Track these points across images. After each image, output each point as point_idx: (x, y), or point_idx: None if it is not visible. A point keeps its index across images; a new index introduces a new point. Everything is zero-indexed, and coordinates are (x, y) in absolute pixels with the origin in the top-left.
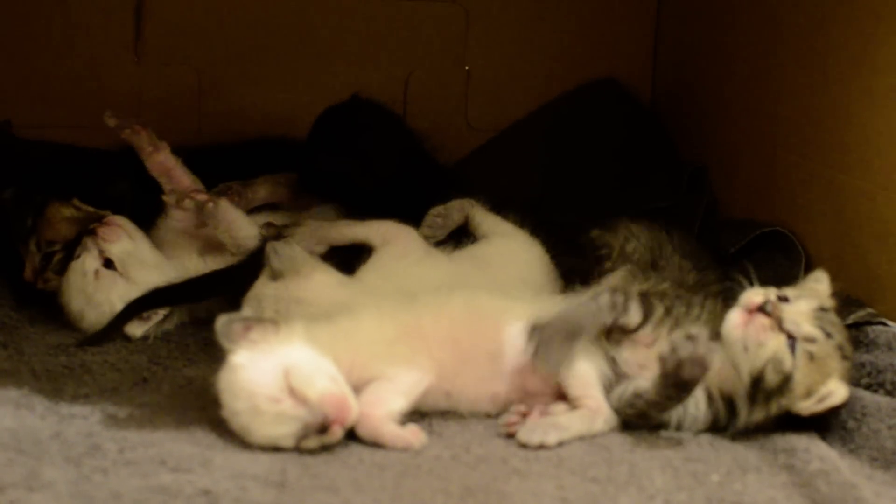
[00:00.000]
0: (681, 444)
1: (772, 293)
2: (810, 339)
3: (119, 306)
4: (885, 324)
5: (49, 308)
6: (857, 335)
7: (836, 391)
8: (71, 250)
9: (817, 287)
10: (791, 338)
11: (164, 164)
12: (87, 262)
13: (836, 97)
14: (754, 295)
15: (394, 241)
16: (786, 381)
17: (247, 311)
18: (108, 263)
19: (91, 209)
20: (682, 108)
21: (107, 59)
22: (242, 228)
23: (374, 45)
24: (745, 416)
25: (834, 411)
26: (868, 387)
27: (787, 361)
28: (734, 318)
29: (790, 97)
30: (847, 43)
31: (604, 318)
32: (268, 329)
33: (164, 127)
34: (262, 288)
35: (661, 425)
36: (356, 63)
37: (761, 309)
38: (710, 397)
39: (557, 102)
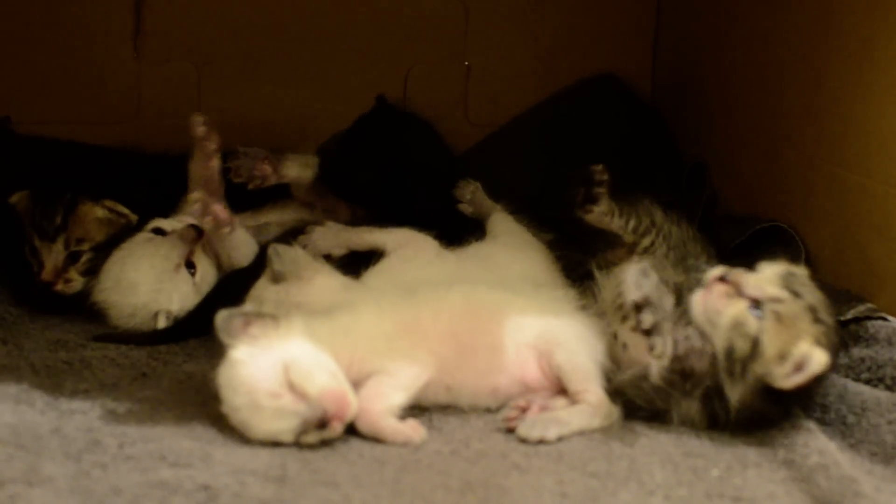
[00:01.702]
0: (681, 439)
1: (733, 269)
2: (776, 300)
3: (172, 305)
4: (885, 319)
5: (50, 304)
6: (857, 330)
7: (812, 355)
8: (99, 252)
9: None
10: (755, 301)
11: (213, 172)
12: (175, 254)
13: (837, 92)
14: (714, 270)
15: (406, 246)
16: (755, 346)
17: (247, 306)
18: (190, 266)
19: (126, 211)
20: (682, 103)
21: (106, 55)
22: (244, 249)
23: (373, 40)
24: (732, 395)
25: (820, 387)
26: (868, 381)
27: (751, 323)
28: (696, 297)
29: (791, 92)
30: (847, 38)
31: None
32: (267, 324)
33: (163, 123)
34: (263, 290)
35: (662, 419)
36: (356, 58)
37: (721, 279)
38: (704, 392)
39: (557, 98)
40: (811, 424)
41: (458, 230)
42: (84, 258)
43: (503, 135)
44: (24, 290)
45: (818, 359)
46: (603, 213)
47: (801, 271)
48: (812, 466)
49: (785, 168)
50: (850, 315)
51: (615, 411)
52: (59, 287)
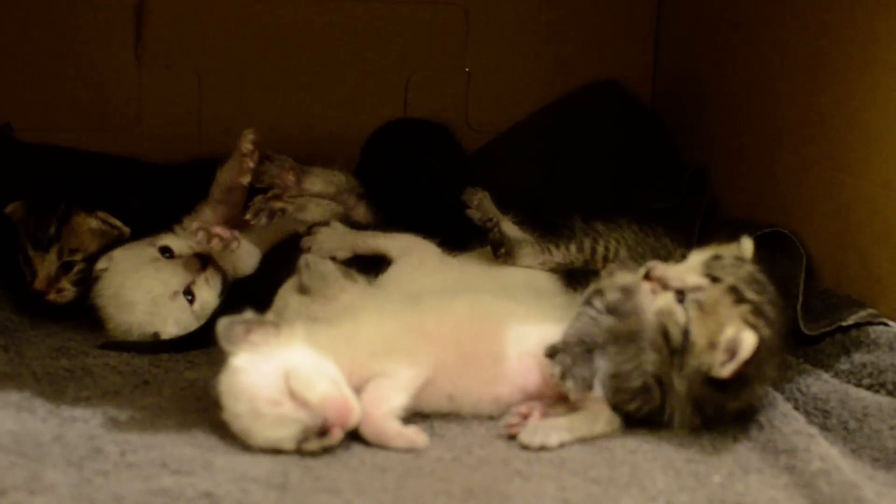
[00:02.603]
0: (682, 444)
1: (660, 264)
2: (696, 288)
3: (167, 328)
4: (886, 324)
5: (50, 311)
6: (858, 335)
7: (742, 338)
8: (91, 262)
9: (734, 249)
10: (680, 293)
11: (242, 186)
12: (175, 281)
13: (837, 97)
14: (642, 268)
15: (411, 253)
16: (686, 335)
17: (248, 314)
18: (189, 294)
19: (119, 223)
20: (682, 108)
21: (107, 63)
22: (249, 260)
23: (374, 47)
24: (680, 389)
25: (771, 360)
26: (870, 387)
27: (678, 313)
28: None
29: (791, 97)
30: (848, 43)
31: (605, 321)
32: (268, 331)
33: (164, 131)
34: (288, 296)
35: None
36: (356, 65)
37: (646, 277)
38: (644, 386)
39: (558, 104)
40: (813, 430)
41: (465, 235)
42: (76, 268)
43: (504, 141)
44: (22, 298)
45: (748, 340)
46: (530, 256)
47: (728, 253)
48: (814, 472)
49: (785, 173)
50: (851, 320)
51: (616, 418)
52: (52, 297)
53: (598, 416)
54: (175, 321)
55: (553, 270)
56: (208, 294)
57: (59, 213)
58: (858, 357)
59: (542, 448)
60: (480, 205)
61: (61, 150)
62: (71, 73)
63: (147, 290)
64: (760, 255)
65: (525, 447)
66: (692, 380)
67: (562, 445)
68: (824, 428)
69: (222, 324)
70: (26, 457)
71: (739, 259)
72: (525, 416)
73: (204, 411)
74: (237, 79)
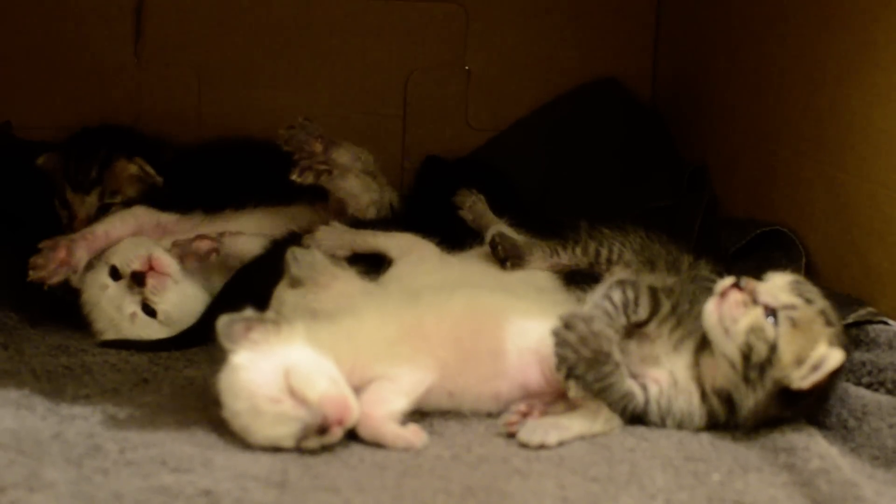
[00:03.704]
0: (682, 443)
1: (748, 278)
2: (790, 307)
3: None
4: (885, 322)
5: (49, 309)
6: (858, 334)
7: (829, 355)
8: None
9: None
10: (769, 309)
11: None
12: (126, 303)
13: (837, 95)
14: (725, 280)
15: (411, 252)
16: (773, 350)
17: (248, 312)
18: (148, 309)
19: (152, 172)
20: (682, 107)
21: (107, 61)
22: (244, 246)
23: (373, 45)
24: (746, 401)
25: (834, 389)
26: (869, 385)
27: (769, 329)
28: (709, 306)
29: (791, 95)
30: (847, 41)
31: (620, 319)
32: (269, 329)
33: (164, 128)
34: (283, 293)
35: (642, 419)
36: (356, 64)
37: (735, 286)
38: (703, 394)
39: (558, 102)
40: (812, 429)
41: (461, 235)
42: (114, 210)
43: (504, 139)
44: (25, 292)
45: (835, 357)
46: (540, 259)
47: (805, 280)
48: (813, 471)
49: (785, 172)
50: (850, 319)
51: (616, 416)
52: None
53: (598, 414)
54: (147, 335)
55: (558, 272)
56: (165, 300)
57: (100, 157)
58: (858, 355)
59: (542, 446)
60: (473, 208)
61: (61, 147)
62: (71, 72)
63: (109, 320)
64: (760, 253)
65: (524, 445)
66: (767, 391)
67: (561, 444)
68: (823, 426)
69: (222, 321)
70: (25, 454)
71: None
72: (524, 415)
73: (203, 409)
74: (236, 77)
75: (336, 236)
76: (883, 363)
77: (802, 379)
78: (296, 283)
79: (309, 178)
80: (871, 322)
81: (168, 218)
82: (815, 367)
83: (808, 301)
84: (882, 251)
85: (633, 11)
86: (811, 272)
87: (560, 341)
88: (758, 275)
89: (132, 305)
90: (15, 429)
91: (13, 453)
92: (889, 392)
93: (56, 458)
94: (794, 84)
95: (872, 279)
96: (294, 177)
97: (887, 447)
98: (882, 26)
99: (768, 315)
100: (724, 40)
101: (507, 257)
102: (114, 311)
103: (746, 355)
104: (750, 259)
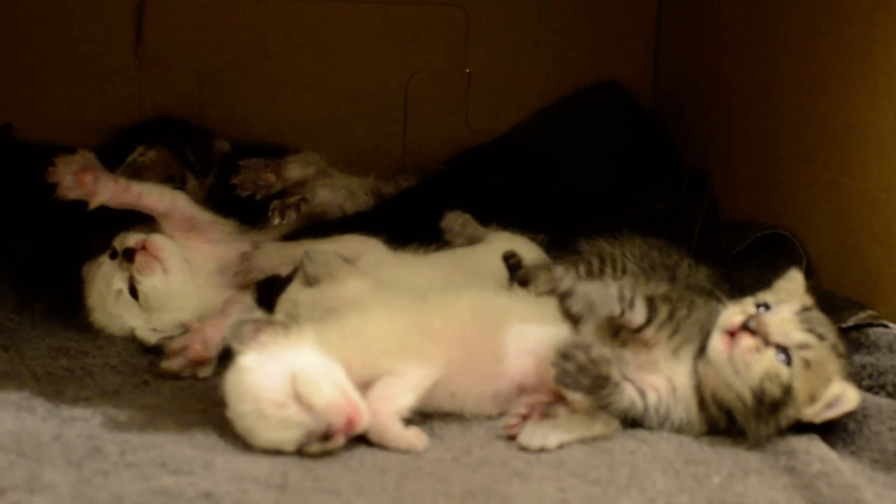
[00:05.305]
0: (682, 446)
1: (750, 305)
2: (804, 346)
3: (132, 326)
4: (886, 326)
5: (50, 310)
6: (858, 337)
7: (845, 395)
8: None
9: (792, 287)
10: (782, 348)
11: None
12: (115, 279)
13: (837, 99)
14: (733, 315)
15: (364, 252)
16: (787, 392)
17: (258, 313)
18: (133, 291)
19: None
20: (682, 110)
21: (108, 63)
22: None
23: (374, 48)
24: (756, 432)
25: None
26: (869, 389)
27: (784, 373)
28: (717, 345)
29: (791, 99)
30: (847, 45)
31: (613, 305)
32: (278, 332)
33: None
34: (297, 293)
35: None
36: (357, 66)
37: (745, 327)
38: (702, 402)
39: (558, 105)
40: (812, 432)
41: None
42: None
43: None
44: (26, 293)
45: (852, 398)
46: (545, 284)
47: (809, 301)
48: (814, 474)
49: (785, 175)
50: (851, 322)
51: (615, 419)
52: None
53: (597, 417)
54: (131, 317)
55: None
56: (147, 284)
57: (202, 142)
58: (858, 359)
59: (542, 449)
60: (464, 230)
61: (61, 150)
62: (71, 74)
63: (97, 294)
64: (760, 256)
65: (524, 448)
66: (782, 425)
67: (561, 446)
68: (824, 429)
69: (232, 322)
70: (26, 456)
71: (816, 306)
72: (524, 417)
73: (204, 411)
74: (237, 79)
75: (273, 254)
76: (883, 366)
77: (816, 415)
78: (313, 282)
79: (292, 216)
80: (871, 325)
81: (203, 217)
82: (831, 405)
83: (820, 337)
84: (882, 255)
85: (633, 15)
86: (812, 275)
87: (560, 373)
88: (758, 278)
89: (119, 282)
90: (15, 431)
91: (13, 455)
92: (889, 395)
93: (56, 460)
94: (795, 88)
95: (873, 282)
96: (276, 222)
97: (888, 450)
98: (883, 28)
99: (780, 352)
100: (725, 45)
101: (518, 280)
102: (104, 286)
103: (759, 397)
104: (750, 262)
